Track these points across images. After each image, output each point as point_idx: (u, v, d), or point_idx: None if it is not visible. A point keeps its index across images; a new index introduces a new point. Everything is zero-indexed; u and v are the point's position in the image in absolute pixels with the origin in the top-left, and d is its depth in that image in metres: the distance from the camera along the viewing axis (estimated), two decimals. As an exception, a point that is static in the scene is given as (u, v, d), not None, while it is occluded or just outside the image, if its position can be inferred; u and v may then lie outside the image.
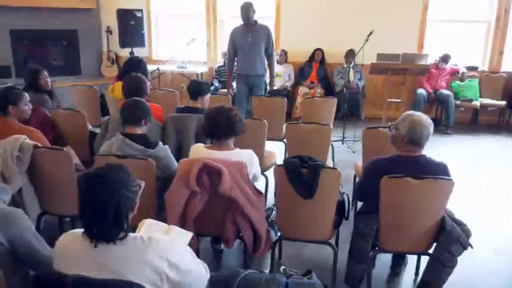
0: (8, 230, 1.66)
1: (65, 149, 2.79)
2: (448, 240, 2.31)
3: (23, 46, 7.16)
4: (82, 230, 1.45)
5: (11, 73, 6.95)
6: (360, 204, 2.90)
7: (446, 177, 2.29)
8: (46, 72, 3.97)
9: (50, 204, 2.86)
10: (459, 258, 2.35)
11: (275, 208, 2.75)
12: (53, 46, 7.50)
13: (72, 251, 1.46)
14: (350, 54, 6.31)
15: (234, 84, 5.59)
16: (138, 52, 6.89)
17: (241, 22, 5.09)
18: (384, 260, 2.92)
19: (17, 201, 2.73)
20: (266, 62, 5.28)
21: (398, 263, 2.91)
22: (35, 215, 2.79)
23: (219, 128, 2.49)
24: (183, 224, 2.32)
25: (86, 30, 7.40)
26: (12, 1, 6.65)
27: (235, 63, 5.25)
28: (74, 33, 7.35)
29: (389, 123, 2.63)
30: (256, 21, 5.06)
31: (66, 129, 3.61)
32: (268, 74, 5.46)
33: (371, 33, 5.33)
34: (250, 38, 5.04)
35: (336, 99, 4.64)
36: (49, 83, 3.97)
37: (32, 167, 2.71)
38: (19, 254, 1.72)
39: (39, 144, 2.76)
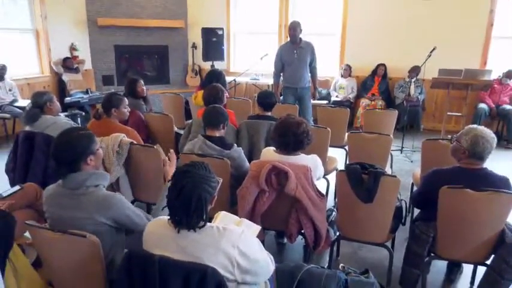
0: (108, 212, 1.77)
1: (155, 146, 2.92)
2: (507, 253, 2.11)
3: (124, 59, 7.63)
4: (168, 217, 1.52)
5: (113, 81, 7.48)
6: (416, 211, 2.75)
7: (508, 191, 2.10)
8: (142, 81, 4.16)
9: (140, 193, 3.01)
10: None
11: (335, 209, 2.70)
12: (147, 59, 7.92)
13: (159, 234, 1.53)
14: (414, 70, 6.03)
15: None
16: (218, 65, 7.10)
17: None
18: (439, 266, 2.74)
19: (114, 189, 2.92)
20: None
21: (453, 270, 2.71)
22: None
23: (288, 143, 2.43)
24: (251, 218, 2.33)
25: (175, 46, 7.75)
26: (117, 21, 7.15)
27: (282, 77, 5.18)
28: (165, 49, 7.72)
29: (450, 136, 2.47)
30: (301, 38, 5.00)
31: (156, 130, 3.79)
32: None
33: (434, 49, 5.05)
34: (296, 54, 4.98)
35: (396, 111, 4.44)
36: (144, 91, 4.13)
37: (128, 161, 2.87)
38: (125, 226, 1.87)
39: (135, 142, 2.91)
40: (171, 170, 2.19)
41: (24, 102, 5.54)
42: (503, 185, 2.16)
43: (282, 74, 5.18)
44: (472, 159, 2.23)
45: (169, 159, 2.26)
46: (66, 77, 6.55)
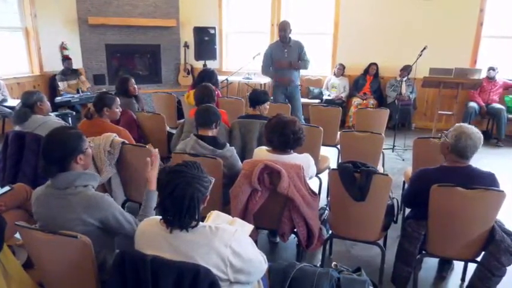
0: (95, 212, 1.76)
1: (146, 146, 2.90)
2: (497, 250, 2.14)
3: (115, 58, 7.57)
4: (160, 217, 1.51)
5: (105, 80, 7.42)
6: (408, 209, 2.77)
7: (498, 189, 2.13)
8: (134, 80, 4.14)
9: (132, 193, 2.99)
10: (508, 269, 2.17)
11: (328, 208, 2.70)
12: (139, 58, 7.87)
13: (151, 234, 1.51)
14: (406, 69, 6.08)
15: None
16: (210, 64, 7.08)
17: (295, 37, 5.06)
18: (430, 263, 2.77)
19: (106, 189, 2.90)
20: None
21: (444, 267, 2.74)
22: (120, 201, 2.92)
23: (288, 142, 2.42)
24: (244, 217, 2.33)
25: (167, 45, 7.72)
26: (108, 20, 7.10)
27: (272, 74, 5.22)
28: (157, 48, 7.68)
29: (440, 134, 2.49)
30: (290, 37, 5.04)
31: (148, 130, 3.77)
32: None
33: (424, 48, 5.09)
34: (286, 53, 5.03)
35: (388, 110, 4.47)
36: (136, 89, 4.12)
37: (119, 161, 2.84)
38: (111, 228, 1.83)
39: (127, 142, 2.88)
40: (152, 173, 2.00)
41: (14, 102, 5.49)
42: (489, 180, 2.19)
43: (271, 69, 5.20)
44: (454, 156, 2.25)
45: (151, 163, 2.02)
46: (62, 85, 6.45)
